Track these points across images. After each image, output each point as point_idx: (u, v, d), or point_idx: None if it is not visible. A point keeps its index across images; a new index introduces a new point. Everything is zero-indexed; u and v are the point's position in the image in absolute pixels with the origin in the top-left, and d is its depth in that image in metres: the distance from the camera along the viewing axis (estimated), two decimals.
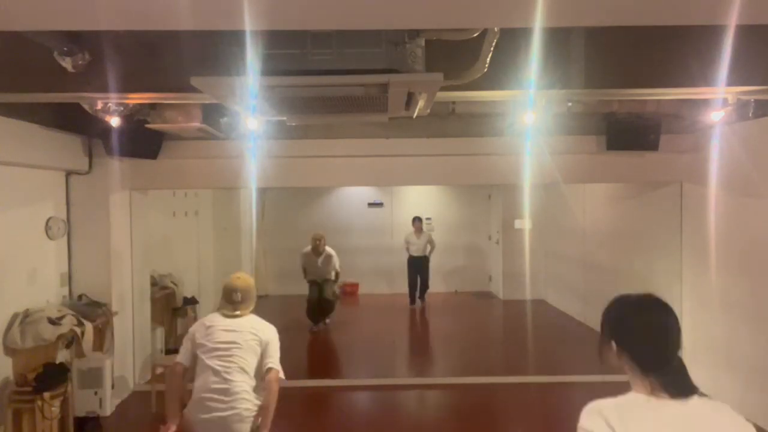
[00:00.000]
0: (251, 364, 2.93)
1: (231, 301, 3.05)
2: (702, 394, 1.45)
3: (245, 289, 3.08)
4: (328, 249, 7.97)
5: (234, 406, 2.85)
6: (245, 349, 2.92)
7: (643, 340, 1.49)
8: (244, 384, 2.88)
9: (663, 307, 1.52)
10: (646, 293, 1.56)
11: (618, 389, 1.48)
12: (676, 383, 1.45)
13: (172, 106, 4.30)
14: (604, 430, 1.40)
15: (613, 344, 1.54)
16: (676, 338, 1.49)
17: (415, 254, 9.57)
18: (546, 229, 9.75)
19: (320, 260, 7.88)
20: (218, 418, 2.83)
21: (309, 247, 7.95)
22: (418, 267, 9.63)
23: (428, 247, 9.63)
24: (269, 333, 3.01)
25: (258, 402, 2.91)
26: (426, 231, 9.87)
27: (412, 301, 9.65)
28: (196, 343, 2.96)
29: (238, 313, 3.02)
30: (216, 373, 2.86)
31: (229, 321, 3.00)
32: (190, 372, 2.98)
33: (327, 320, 8.16)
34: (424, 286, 9.73)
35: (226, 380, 2.85)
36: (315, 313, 7.96)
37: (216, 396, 2.84)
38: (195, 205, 8.47)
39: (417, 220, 9.60)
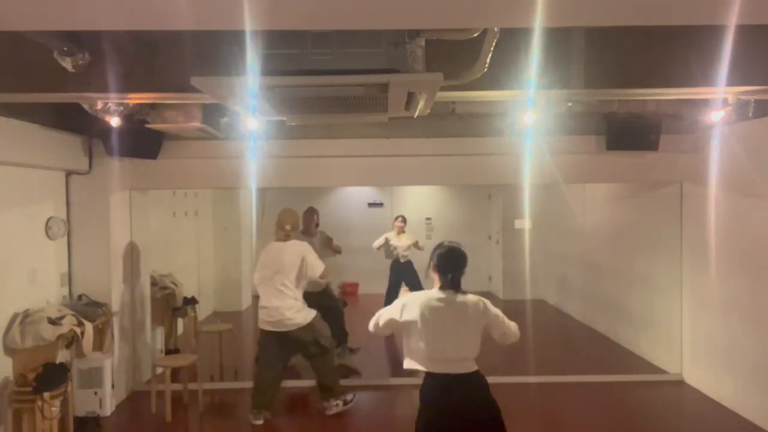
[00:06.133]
0: None
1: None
2: (464, 292, 2.91)
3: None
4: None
5: None
6: None
7: (444, 262, 2.90)
8: None
9: (457, 249, 2.93)
10: (453, 242, 2.97)
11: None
12: (453, 285, 2.89)
13: (172, 106, 4.30)
14: (407, 309, 2.89)
15: (432, 264, 2.94)
16: (460, 264, 2.91)
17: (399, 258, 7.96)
18: (546, 229, 9.74)
19: (316, 243, 5.71)
20: None
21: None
22: (403, 272, 7.72)
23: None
24: None
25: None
26: (408, 232, 8.17)
27: None
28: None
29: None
30: None
31: None
32: None
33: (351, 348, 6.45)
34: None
35: None
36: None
37: None
38: (195, 205, 8.48)
39: (398, 218, 8.18)
